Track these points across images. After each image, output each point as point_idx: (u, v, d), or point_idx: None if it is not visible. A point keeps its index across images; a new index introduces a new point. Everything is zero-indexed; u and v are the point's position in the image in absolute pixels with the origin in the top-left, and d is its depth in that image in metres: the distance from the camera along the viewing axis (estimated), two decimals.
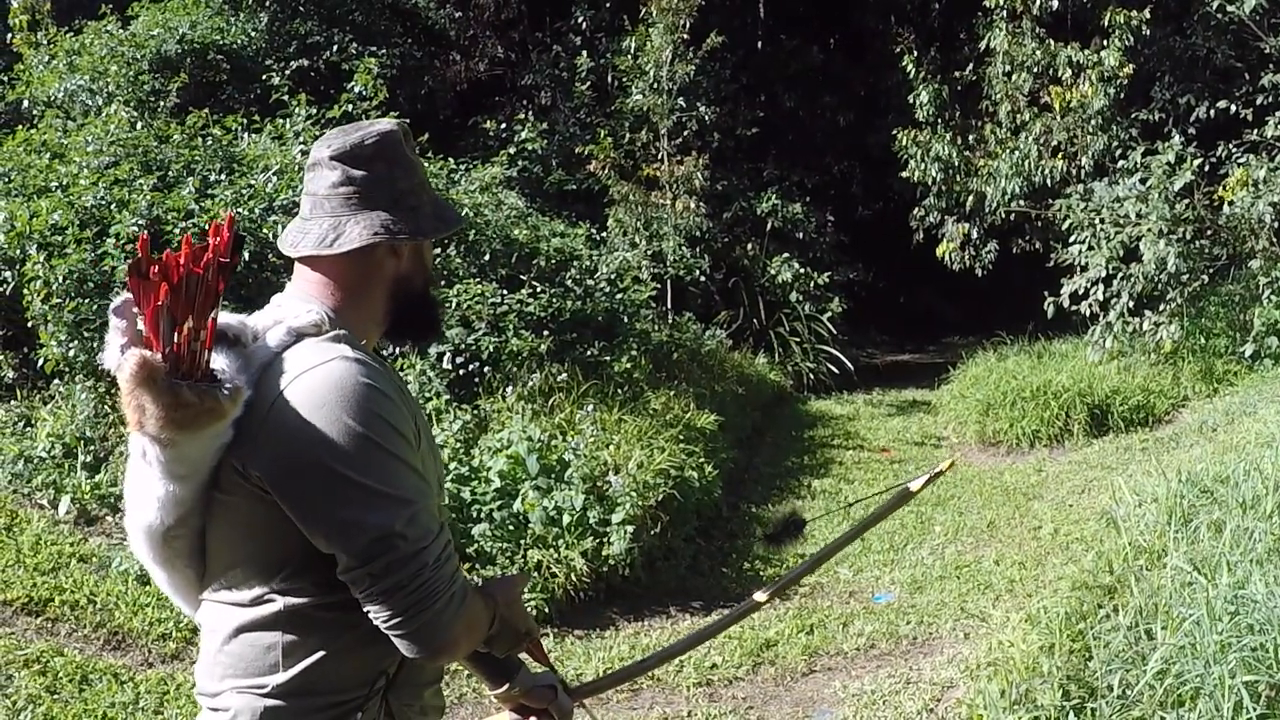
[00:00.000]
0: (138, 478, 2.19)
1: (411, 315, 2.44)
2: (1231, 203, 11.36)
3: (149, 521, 2.20)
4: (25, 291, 7.94)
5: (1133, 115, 13.00)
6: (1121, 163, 12.21)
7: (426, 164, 10.50)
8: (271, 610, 2.22)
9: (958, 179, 13.68)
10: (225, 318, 2.21)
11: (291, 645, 2.22)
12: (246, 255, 8.32)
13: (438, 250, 9.31)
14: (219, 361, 2.12)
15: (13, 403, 8.29)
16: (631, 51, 13.98)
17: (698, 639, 3.45)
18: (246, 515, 2.18)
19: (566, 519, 6.98)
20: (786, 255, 15.58)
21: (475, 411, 8.34)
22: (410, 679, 2.38)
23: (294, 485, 2.10)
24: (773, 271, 15.45)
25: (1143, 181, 11.46)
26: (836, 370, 14.69)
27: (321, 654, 2.22)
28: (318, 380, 2.12)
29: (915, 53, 14.01)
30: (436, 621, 2.13)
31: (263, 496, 2.13)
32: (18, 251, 8.09)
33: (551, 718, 2.67)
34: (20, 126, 10.29)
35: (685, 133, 14.33)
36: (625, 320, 10.71)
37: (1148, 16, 12.39)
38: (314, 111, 10.79)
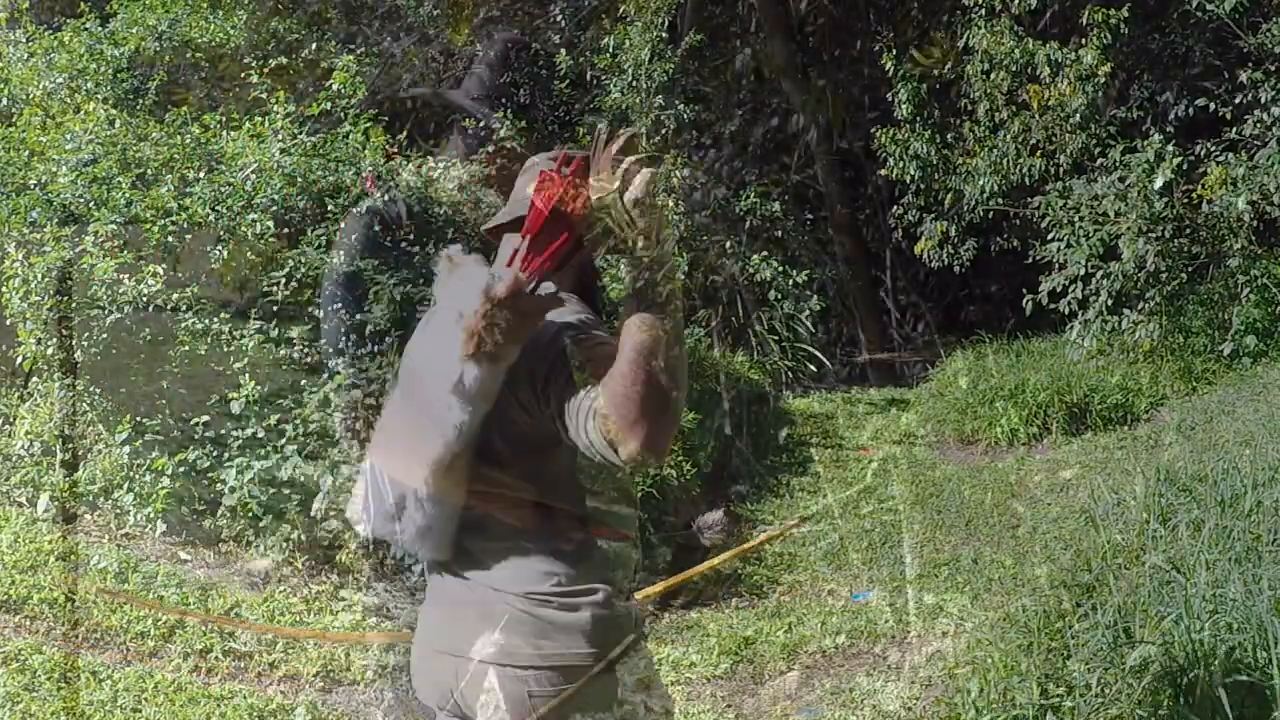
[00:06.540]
0: (409, 422, 2.63)
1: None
2: (1210, 201, 11.38)
3: (435, 456, 2.49)
4: (4, 289, 7.90)
5: (1111, 113, 13.02)
6: (1100, 161, 12.23)
7: (406, 160, 10.50)
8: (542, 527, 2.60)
9: (936, 177, 13.69)
10: None
11: (559, 559, 2.61)
12: (224, 253, 8.33)
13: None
14: None
15: None
16: (610, 50, 13.95)
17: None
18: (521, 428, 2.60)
19: None
20: (765, 253, 15.57)
21: None
22: None
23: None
24: (751, 269, 15.44)
25: (1121, 180, 11.49)
26: (815, 368, 14.69)
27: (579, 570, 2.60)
28: None
29: (894, 50, 14.02)
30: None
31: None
32: None
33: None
34: None
35: (664, 130, 14.31)
36: (604, 317, 10.65)
37: (1126, 15, 12.38)
38: (292, 109, 10.75)
